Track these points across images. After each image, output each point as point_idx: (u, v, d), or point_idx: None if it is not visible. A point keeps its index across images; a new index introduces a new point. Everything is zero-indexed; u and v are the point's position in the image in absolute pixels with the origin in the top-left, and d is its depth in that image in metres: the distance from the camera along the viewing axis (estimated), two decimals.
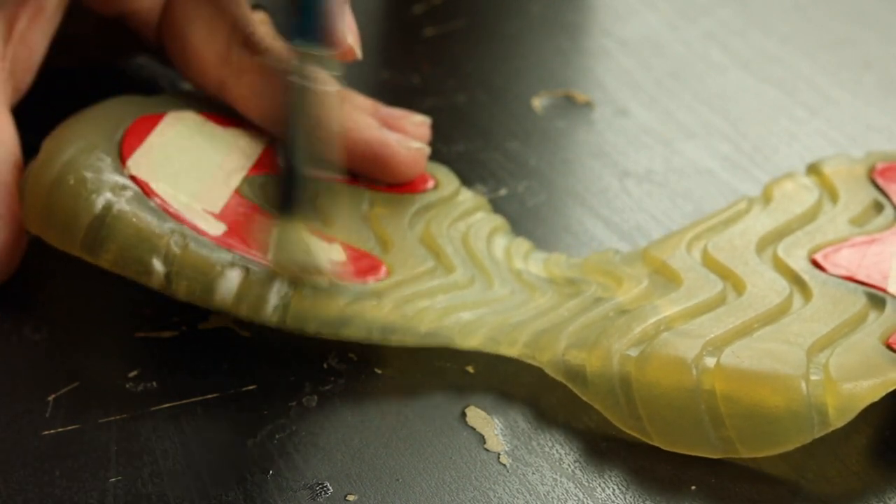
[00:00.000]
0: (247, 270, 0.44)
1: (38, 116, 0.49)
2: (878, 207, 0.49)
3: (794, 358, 0.42)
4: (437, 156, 0.52)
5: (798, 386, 0.41)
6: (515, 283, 0.47)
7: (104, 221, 0.44)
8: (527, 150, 0.56)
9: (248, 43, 0.49)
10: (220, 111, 0.50)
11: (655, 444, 0.42)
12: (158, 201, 0.45)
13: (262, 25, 0.50)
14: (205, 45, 0.49)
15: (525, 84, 0.60)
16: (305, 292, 0.44)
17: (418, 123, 0.50)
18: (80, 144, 0.46)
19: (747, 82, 0.61)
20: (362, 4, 0.65)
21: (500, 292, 0.46)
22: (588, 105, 0.59)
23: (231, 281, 0.44)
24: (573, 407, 0.44)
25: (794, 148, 0.57)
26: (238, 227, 0.46)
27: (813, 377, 0.41)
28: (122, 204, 0.44)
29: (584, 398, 0.43)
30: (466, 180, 0.54)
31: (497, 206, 0.53)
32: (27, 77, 0.50)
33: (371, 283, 0.45)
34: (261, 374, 0.45)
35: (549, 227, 0.52)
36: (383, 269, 0.46)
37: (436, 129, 0.52)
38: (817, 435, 0.41)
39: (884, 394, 0.41)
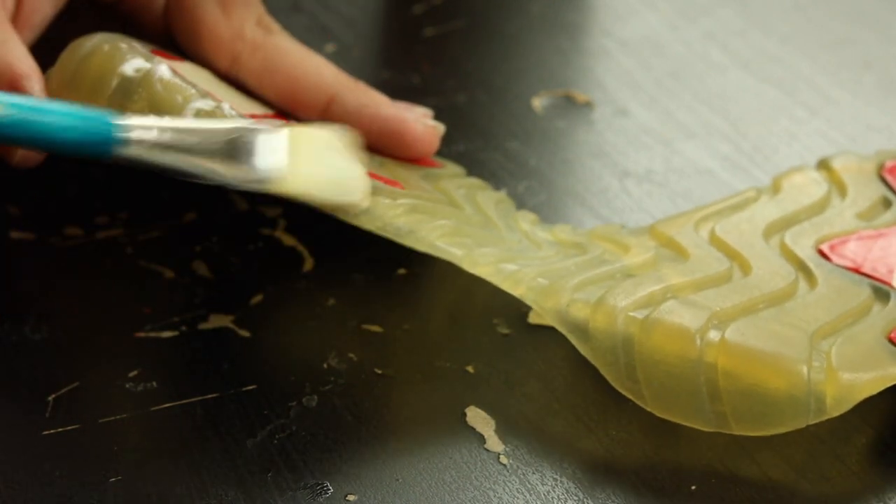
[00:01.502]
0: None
1: None
2: (887, 204, 0.49)
3: (798, 342, 0.42)
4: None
5: (800, 371, 0.41)
6: (523, 239, 0.48)
7: (135, 79, 0.45)
8: (527, 150, 0.56)
9: (262, 21, 0.50)
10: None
11: (649, 409, 0.42)
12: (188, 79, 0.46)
13: None
14: (218, 22, 0.50)
15: (525, 84, 0.60)
16: None
17: (422, 114, 0.51)
18: (108, 35, 0.47)
19: (747, 82, 0.61)
20: (362, 4, 0.65)
21: (509, 238, 0.47)
22: (588, 105, 0.59)
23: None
24: (574, 407, 0.44)
25: (794, 148, 0.57)
26: (261, 119, 0.47)
27: (815, 363, 0.41)
28: (154, 67, 0.45)
29: (583, 353, 0.43)
30: None
31: None
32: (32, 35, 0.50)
33: (390, 186, 0.46)
34: (261, 374, 0.45)
35: None
36: (400, 186, 0.47)
37: None
38: (812, 422, 0.41)
39: (883, 388, 0.41)
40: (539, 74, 0.61)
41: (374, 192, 0.45)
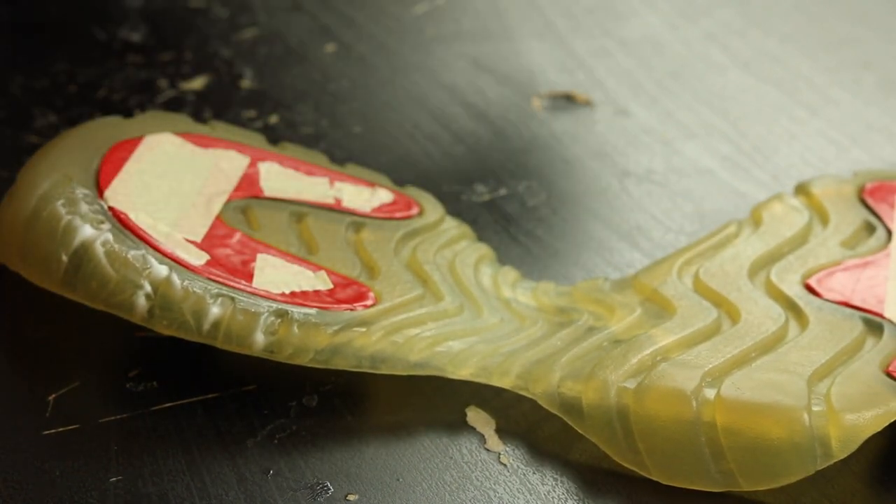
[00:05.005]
0: (232, 301, 0.43)
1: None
2: (870, 229, 0.48)
3: (795, 388, 0.41)
4: (437, 156, 0.52)
5: (801, 417, 0.40)
6: (505, 312, 0.46)
7: (83, 259, 0.44)
8: (527, 150, 0.56)
9: None
10: (200, 132, 0.49)
11: (654, 478, 0.41)
12: (138, 233, 0.44)
13: None
14: None
15: (525, 84, 0.60)
16: (293, 322, 0.43)
17: None
18: (55, 177, 0.45)
19: (747, 82, 0.61)
20: (362, 4, 0.65)
21: (490, 321, 0.45)
22: (588, 105, 0.59)
23: (216, 314, 0.43)
24: None
25: (794, 148, 0.57)
26: (221, 255, 0.45)
27: (815, 408, 0.40)
28: (101, 239, 0.44)
29: (580, 431, 0.42)
30: (467, 180, 0.54)
31: (497, 206, 0.53)
32: None
33: (359, 310, 0.44)
34: (261, 374, 0.45)
35: (549, 226, 0.52)
36: (371, 296, 0.45)
37: (436, 129, 0.52)
38: (820, 467, 0.40)
39: (886, 424, 0.41)
40: (539, 74, 0.61)
41: (347, 327, 0.44)
